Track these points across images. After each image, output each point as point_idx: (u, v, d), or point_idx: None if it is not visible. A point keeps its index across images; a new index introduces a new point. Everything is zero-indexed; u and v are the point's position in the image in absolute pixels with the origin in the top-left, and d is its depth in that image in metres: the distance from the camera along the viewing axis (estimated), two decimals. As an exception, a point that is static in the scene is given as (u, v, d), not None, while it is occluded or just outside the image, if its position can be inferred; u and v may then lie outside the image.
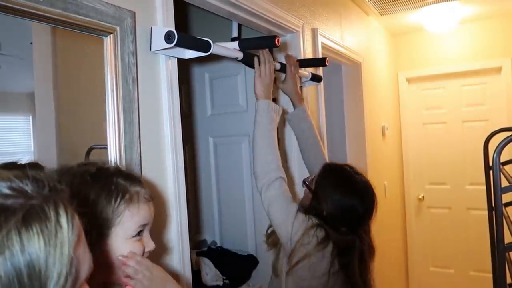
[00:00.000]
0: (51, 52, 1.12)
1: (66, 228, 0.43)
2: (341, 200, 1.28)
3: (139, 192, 0.78)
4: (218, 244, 2.20)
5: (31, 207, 0.41)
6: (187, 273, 1.24)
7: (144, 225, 0.78)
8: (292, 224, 1.25)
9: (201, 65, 2.22)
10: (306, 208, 1.33)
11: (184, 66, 2.22)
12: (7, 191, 0.42)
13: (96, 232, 0.70)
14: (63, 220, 0.43)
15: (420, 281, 3.89)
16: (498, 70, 3.46)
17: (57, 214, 0.42)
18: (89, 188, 0.73)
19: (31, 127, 1.09)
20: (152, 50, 1.10)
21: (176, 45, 1.06)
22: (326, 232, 1.25)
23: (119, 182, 0.76)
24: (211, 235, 2.24)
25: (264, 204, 1.30)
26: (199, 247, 2.18)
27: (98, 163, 0.81)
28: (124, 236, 0.75)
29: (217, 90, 2.19)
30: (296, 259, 1.24)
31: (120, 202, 0.74)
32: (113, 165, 0.86)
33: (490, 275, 3.51)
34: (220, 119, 2.17)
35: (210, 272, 1.92)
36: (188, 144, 2.29)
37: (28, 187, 0.43)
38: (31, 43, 1.07)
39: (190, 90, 2.30)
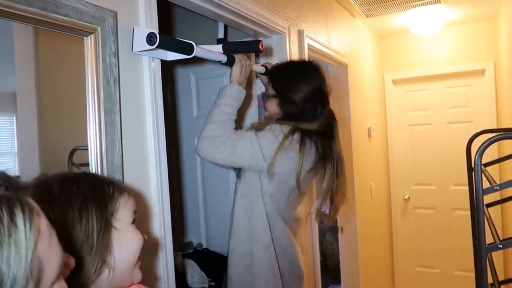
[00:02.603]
0: (33, 52, 1.10)
1: (23, 228, 0.40)
2: (307, 84, 1.41)
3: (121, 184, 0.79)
4: (204, 246, 2.19)
5: None
6: (171, 276, 1.23)
7: (135, 212, 0.77)
8: (260, 149, 1.30)
9: (186, 65, 2.20)
10: (280, 116, 1.42)
11: (169, 66, 2.21)
12: None
13: (101, 228, 0.68)
14: (19, 220, 0.40)
15: (406, 280, 3.93)
16: (482, 72, 3.52)
17: (10, 213, 0.40)
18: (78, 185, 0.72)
19: (15, 128, 1.07)
20: (134, 51, 1.08)
21: (158, 47, 1.05)
22: (301, 132, 1.33)
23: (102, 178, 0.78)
24: (197, 237, 2.23)
25: (218, 161, 1.32)
26: (184, 249, 2.17)
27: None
28: (125, 223, 0.73)
29: (203, 91, 2.17)
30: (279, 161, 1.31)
31: (113, 189, 0.73)
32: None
33: (474, 275, 3.56)
34: (206, 120, 2.16)
35: (196, 275, 1.90)
36: (174, 145, 2.27)
37: None
38: (14, 42, 1.04)
39: (175, 90, 2.28)
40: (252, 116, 1.94)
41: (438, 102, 3.76)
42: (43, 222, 0.44)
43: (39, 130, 1.12)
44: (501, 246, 1.25)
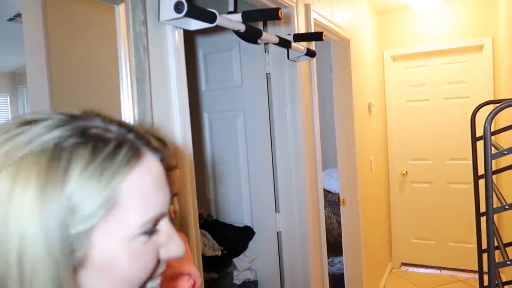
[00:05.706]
0: (42, 22, 1.10)
1: (120, 160, 0.42)
2: None
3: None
4: (214, 218, 2.24)
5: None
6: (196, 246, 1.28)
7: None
8: None
9: (194, 41, 2.21)
10: None
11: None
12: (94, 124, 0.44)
13: None
14: (121, 152, 0.42)
15: (402, 252, 4.07)
16: (480, 48, 3.56)
17: (116, 148, 0.42)
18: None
19: (9, 107, 1.09)
20: (161, 20, 1.10)
21: (185, 15, 1.06)
22: None
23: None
24: (207, 209, 2.28)
25: None
26: (195, 221, 2.22)
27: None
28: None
29: (211, 65, 2.19)
30: None
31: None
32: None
33: (468, 245, 3.69)
34: (214, 94, 2.19)
35: (208, 243, 1.97)
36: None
37: (114, 127, 0.45)
38: (11, 18, 1.04)
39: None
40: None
41: (436, 78, 3.81)
42: (146, 170, 0.44)
43: (51, 104, 1.13)
44: (507, 207, 1.32)
